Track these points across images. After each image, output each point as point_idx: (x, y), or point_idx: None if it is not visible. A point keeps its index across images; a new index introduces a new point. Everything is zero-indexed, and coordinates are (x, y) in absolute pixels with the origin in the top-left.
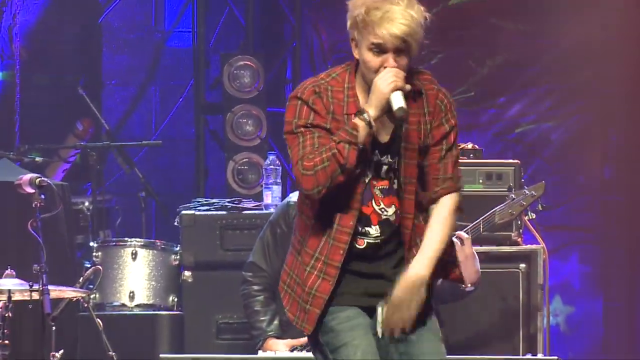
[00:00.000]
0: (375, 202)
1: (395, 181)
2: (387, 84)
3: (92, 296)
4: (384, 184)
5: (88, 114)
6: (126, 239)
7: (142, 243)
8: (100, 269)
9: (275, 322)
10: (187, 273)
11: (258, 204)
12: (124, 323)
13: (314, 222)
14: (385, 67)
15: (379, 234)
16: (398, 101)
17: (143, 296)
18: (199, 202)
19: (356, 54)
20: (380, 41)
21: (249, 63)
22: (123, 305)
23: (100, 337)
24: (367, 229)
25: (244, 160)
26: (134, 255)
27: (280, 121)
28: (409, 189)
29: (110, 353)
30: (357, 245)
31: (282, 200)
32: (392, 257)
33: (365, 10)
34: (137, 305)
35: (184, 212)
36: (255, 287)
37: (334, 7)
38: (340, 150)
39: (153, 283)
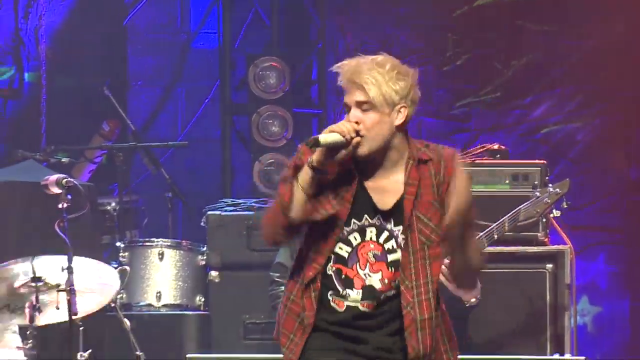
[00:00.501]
0: (360, 266)
1: (398, 250)
2: (327, 129)
3: (119, 296)
4: (378, 249)
5: (114, 115)
6: (153, 239)
7: (169, 243)
8: (127, 270)
9: None
10: (213, 273)
11: None
12: (151, 323)
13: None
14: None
15: (359, 298)
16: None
17: (170, 296)
18: (226, 202)
19: None
20: (345, 99)
21: (274, 64)
22: (150, 305)
23: (127, 337)
24: (347, 291)
25: (270, 160)
26: (161, 256)
27: (306, 121)
28: (415, 256)
29: (137, 353)
30: (338, 309)
31: None
32: (387, 329)
33: (339, 69)
34: (164, 305)
35: (210, 212)
36: (283, 288)
37: (360, 8)
38: (280, 189)
39: (180, 283)
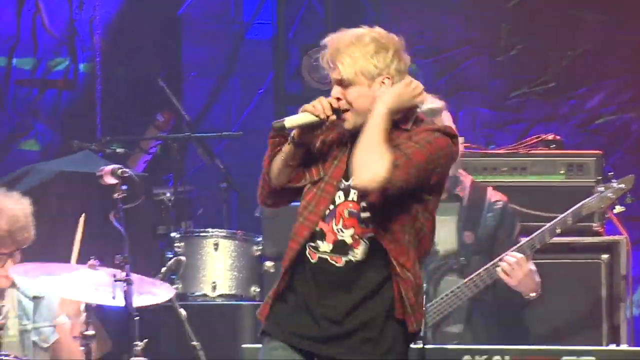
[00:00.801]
0: (335, 222)
1: (369, 212)
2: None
3: (174, 286)
4: (355, 207)
5: (168, 106)
6: (208, 229)
7: (224, 234)
8: (182, 260)
9: None
10: (268, 263)
11: None
12: (206, 313)
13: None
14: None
15: (329, 250)
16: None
17: (225, 286)
18: None
19: None
20: (330, 75)
21: None
22: (205, 295)
23: (183, 327)
24: (318, 242)
25: None
26: (216, 246)
27: None
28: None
29: (193, 343)
30: (311, 260)
31: None
32: (351, 294)
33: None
34: (219, 296)
35: None
36: None
37: None
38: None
39: (235, 273)
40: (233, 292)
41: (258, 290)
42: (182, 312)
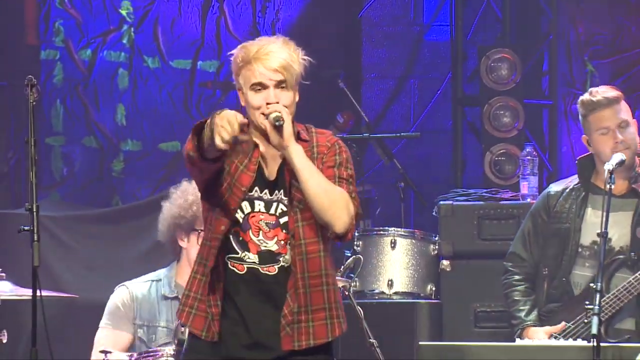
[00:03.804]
0: (253, 233)
1: (287, 216)
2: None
3: (352, 284)
4: (271, 219)
5: (348, 107)
6: (386, 228)
7: (401, 232)
8: (360, 258)
9: (535, 312)
10: (445, 262)
11: (515, 194)
12: (383, 311)
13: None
14: (268, 104)
15: (257, 262)
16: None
17: (402, 284)
18: (457, 192)
19: (243, 102)
20: (260, 79)
21: (506, 55)
22: (382, 293)
23: (360, 325)
24: (246, 253)
25: (501, 151)
26: (393, 244)
27: (536, 112)
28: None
29: (370, 340)
30: (238, 271)
31: (538, 191)
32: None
33: (243, 51)
34: (395, 293)
35: (442, 202)
36: (516, 277)
37: None
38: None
39: (411, 272)
40: (409, 289)
41: (434, 288)
42: (360, 309)
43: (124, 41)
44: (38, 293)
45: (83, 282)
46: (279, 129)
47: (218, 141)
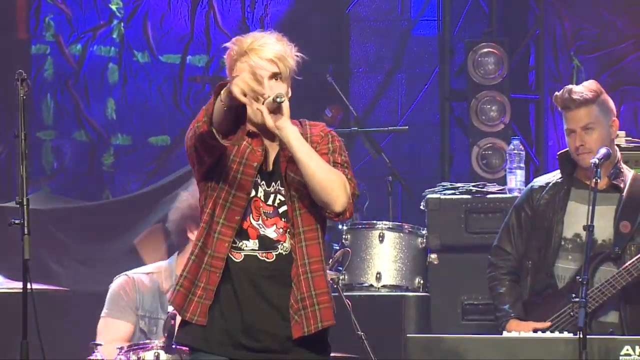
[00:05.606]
0: (253, 218)
1: (285, 206)
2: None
3: (341, 277)
4: (269, 209)
5: (336, 101)
6: (374, 221)
7: (389, 226)
8: (349, 251)
9: (519, 304)
10: (433, 255)
11: (502, 188)
12: (371, 303)
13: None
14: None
15: (256, 247)
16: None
17: (390, 277)
18: (444, 186)
19: None
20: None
21: (493, 50)
22: (370, 286)
23: (349, 317)
24: (244, 242)
25: (488, 145)
26: (381, 238)
27: (523, 106)
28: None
29: (358, 332)
30: (235, 259)
31: (525, 185)
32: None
33: (238, 44)
34: (383, 286)
35: (429, 196)
36: (501, 271)
37: None
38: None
39: (399, 265)
40: (397, 282)
41: (422, 281)
42: (348, 302)
43: (114, 36)
44: (29, 286)
45: (74, 275)
46: (279, 107)
47: (236, 90)
